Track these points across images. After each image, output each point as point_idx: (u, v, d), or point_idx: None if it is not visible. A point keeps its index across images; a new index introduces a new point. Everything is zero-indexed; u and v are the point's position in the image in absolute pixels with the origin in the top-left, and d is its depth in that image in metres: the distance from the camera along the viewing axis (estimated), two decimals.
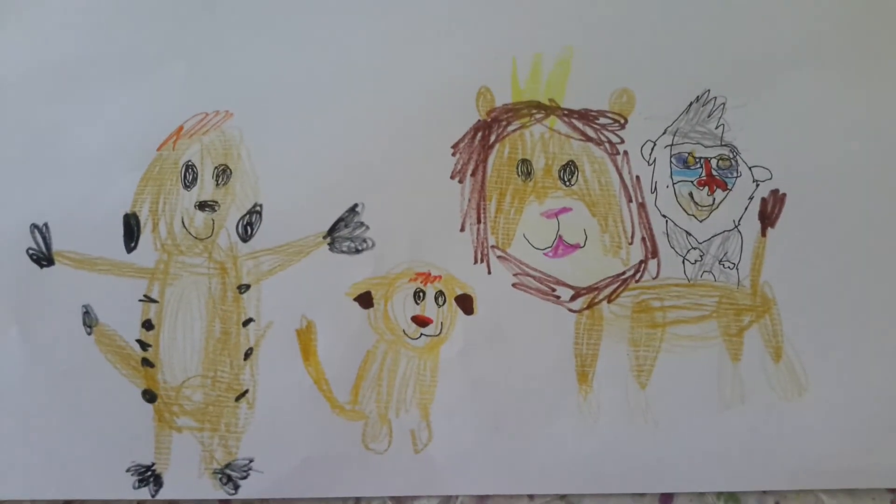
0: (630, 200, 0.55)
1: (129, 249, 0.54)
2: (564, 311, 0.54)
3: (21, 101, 0.56)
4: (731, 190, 0.55)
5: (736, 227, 0.54)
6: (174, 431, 0.53)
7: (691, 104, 0.55)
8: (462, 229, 0.54)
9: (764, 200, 0.55)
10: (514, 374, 0.53)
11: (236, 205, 0.54)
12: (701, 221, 0.54)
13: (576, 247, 0.54)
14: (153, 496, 0.53)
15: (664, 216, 0.55)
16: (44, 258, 0.54)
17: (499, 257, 0.54)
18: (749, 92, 0.56)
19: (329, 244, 0.54)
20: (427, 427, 0.53)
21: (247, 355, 0.53)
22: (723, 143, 0.55)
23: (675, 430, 0.53)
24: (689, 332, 0.54)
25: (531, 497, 0.54)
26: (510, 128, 0.55)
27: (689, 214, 0.55)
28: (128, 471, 0.53)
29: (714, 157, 0.55)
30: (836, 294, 0.54)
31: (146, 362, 0.53)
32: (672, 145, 0.55)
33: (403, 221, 0.54)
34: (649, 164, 0.55)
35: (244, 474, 0.53)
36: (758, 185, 0.55)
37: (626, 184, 0.55)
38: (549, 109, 0.55)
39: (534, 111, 0.55)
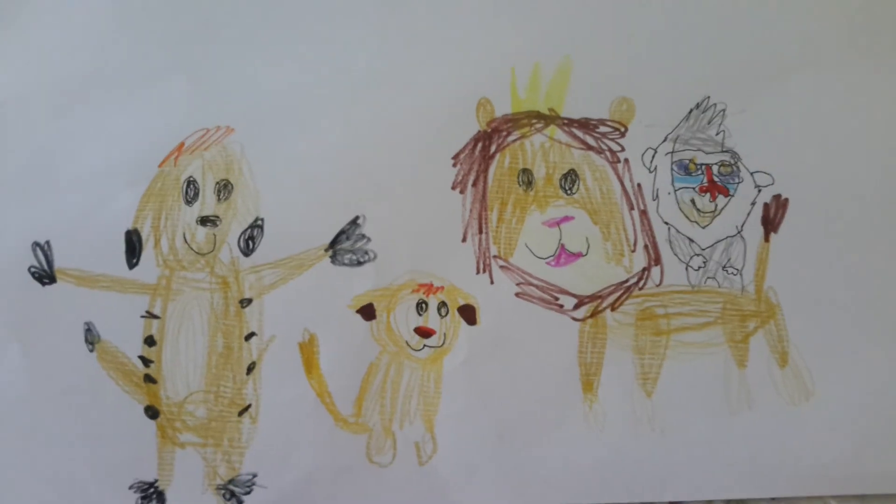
0: (632, 208, 0.54)
1: (131, 266, 0.54)
2: (568, 319, 0.54)
3: (22, 118, 0.55)
4: (733, 196, 0.55)
5: (739, 232, 0.54)
6: (177, 447, 0.53)
7: (691, 111, 0.55)
8: (464, 240, 0.54)
9: (766, 205, 0.54)
10: (518, 384, 0.53)
11: (238, 219, 0.54)
12: (703, 228, 0.54)
13: (578, 255, 0.54)
14: None
15: (666, 223, 0.54)
16: (45, 276, 0.54)
17: (501, 267, 0.54)
18: (749, 97, 0.55)
19: (331, 257, 0.54)
20: (432, 439, 0.53)
21: (249, 370, 0.53)
22: (724, 150, 0.55)
23: (682, 438, 0.52)
24: (693, 338, 0.53)
25: None
26: (510, 138, 0.55)
27: (691, 221, 0.54)
28: (130, 488, 0.52)
29: (715, 164, 0.55)
30: (840, 298, 0.53)
31: (148, 378, 0.53)
32: (673, 152, 0.55)
33: (405, 233, 0.54)
34: (650, 172, 0.55)
35: (248, 490, 0.52)
36: (760, 191, 0.55)
37: (627, 191, 0.55)
38: (548, 119, 0.55)
39: (534, 121, 0.55)
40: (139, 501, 0.52)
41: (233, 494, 0.52)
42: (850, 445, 0.52)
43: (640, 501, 0.53)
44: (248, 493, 0.52)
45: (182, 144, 0.55)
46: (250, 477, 0.52)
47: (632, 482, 0.52)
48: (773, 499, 0.53)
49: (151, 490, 0.52)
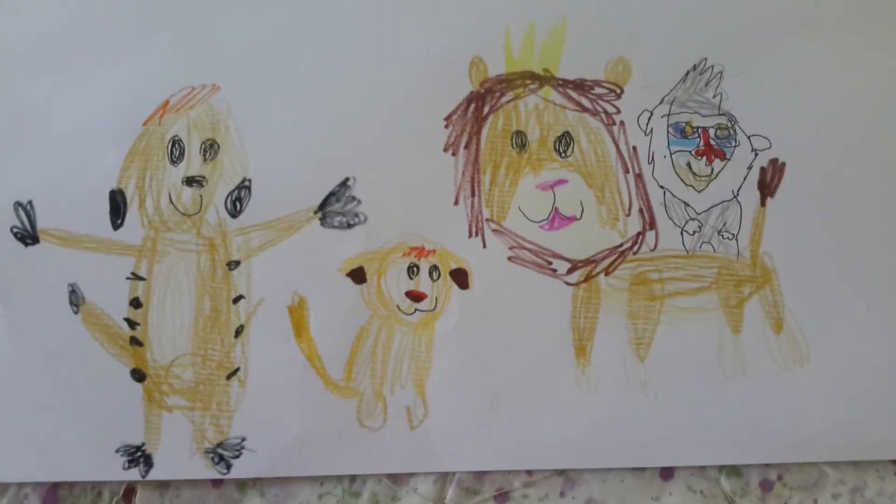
0: (627, 171, 0.54)
1: (116, 226, 0.53)
2: (561, 284, 0.53)
3: (3, 77, 0.54)
4: (729, 159, 0.54)
5: (735, 197, 0.54)
6: (164, 411, 0.52)
7: (688, 73, 0.55)
8: (456, 202, 0.53)
9: (763, 170, 0.54)
10: (510, 348, 0.52)
11: (224, 180, 0.53)
12: (699, 192, 0.54)
13: (572, 219, 0.54)
14: (143, 477, 0.52)
15: (662, 187, 0.54)
16: (28, 236, 0.53)
17: (494, 231, 0.53)
18: (747, 60, 0.55)
19: (320, 219, 0.53)
20: (423, 403, 0.52)
21: (237, 333, 0.53)
22: (721, 112, 0.54)
23: (675, 404, 0.52)
24: (688, 303, 0.53)
25: (529, 473, 0.53)
26: (504, 99, 0.54)
27: (687, 185, 0.54)
28: (117, 451, 0.52)
29: (712, 127, 0.54)
30: (836, 263, 0.53)
31: (134, 341, 0.52)
32: (669, 115, 0.54)
33: (396, 195, 0.54)
34: (646, 135, 0.54)
35: (236, 453, 0.52)
36: (757, 155, 0.54)
37: (622, 154, 0.54)
38: (543, 80, 0.54)
39: (528, 81, 0.55)
40: (126, 465, 0.52)
41: (221, 458, 0.52)
42: (844, 412, 0.52)
43: (633, 467, 0.53)
44: (237, 456, 0.52)
45: (167, 102, 0.54)
46: (239, 441, 0.52)
47: (624, 447, 0.52)
48: (766, 465, 0.53)
49: (138, 454, 0.52)
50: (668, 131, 0.54)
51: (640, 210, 0.54)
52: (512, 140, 0.54)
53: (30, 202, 0.53)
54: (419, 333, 0.53)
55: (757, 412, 0.52)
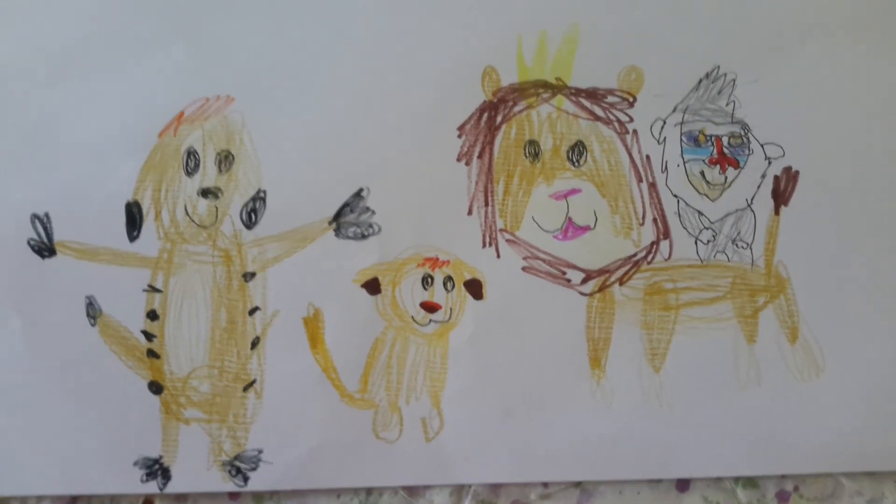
0: (640, 180, 0.54)
1: (132, 238, 0.53)
2: (575, 294, 0.53)
3: (19, 89, 0.54)
4: (743, 168, 0.54)
5: (749, 205, 0.54)
6: (181, 423, 0.52)
7: (701, 81, 0.55)
8: (469, 213, 0.54)
9: (777, 178, 0.54)
10: (525, 359, 0.52)
11: (240, 191, 0.54)
12: (713, 201, 0.54)
13: (586, 229, 0.53)
14: (161, 490, 0.52)
15: (675, 196, 0.54)
16: (45, 249, 0.53)
17: (508, 241, 0.53)
18: (759, 67, 0.55)
19: (335, 230, 0.53)
20: (438, 415, 0.52)
21: (254, 344, 0.53)
22: (734, 121, 0.54)
23: (690, 414, 0.52)
24: (703, 313, 0.53)
25: (545, 485, 0.53)
26: (517, 108, 0.54)
27: (700, 194, 0.54)
28: (135, 464, 0.52)
29: (725, 135, 0.54)
30: (851, 272, 0.53)
31: (151, 353, 0.53)
32: (682, 123, 0.54)
33: (410, 205, 0.54)
34: (659, 143, 0.54)
35: (253, 466, 0.52)
36: (770, 163, 0.54)
37: (635, 163, 0.54)
38: (555, 88, 0.54)
39: (540, 90, 0.55)
40: (144, 478, 0.52)
41: (238, 471, 0.52)
42: (860, 422, 0.52)
43: (648, 478, 0.53)
44: (254, 469, 0.52)
45: (182, 114, 0.54)
46: (256, 453, 0.52)
47: (639, 459, 0.52)
48: (782, 476, 0.53)
49: (156, 466, 0.52)
50: (681, 140, 0.54)
51: (654, 219, 0.54)
52: (525, 149, 0.54)
53: (46, 214, 0.53)
54: (434, 344, 0.53)
55: (772, 422, 0.52)
